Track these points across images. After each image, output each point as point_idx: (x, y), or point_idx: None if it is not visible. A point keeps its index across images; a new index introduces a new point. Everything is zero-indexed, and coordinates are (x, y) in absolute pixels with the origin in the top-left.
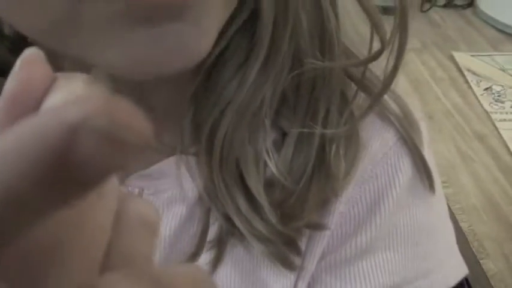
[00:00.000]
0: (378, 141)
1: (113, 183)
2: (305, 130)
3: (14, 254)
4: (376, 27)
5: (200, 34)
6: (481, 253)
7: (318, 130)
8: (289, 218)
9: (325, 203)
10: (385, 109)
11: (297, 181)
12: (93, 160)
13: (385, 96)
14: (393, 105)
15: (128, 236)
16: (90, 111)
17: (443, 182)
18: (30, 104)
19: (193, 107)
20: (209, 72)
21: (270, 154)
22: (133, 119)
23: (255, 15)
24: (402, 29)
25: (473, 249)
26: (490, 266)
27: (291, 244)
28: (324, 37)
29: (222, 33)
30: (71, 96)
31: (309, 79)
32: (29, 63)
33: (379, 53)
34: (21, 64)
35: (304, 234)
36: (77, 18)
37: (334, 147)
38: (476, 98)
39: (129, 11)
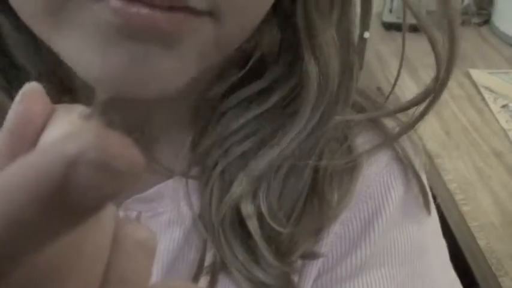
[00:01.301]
0: (374, 164)
1: (109, 208)
2: (299, 163)
3: (22, 275)
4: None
5: (180, 67)
6: (499, 271)
7: (313, 162)
8: (284, 251)
9: (319, 231)
10: (382, 129)
11: (289, 214)
12: (90, 189)
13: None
14: (392, 124)
15: (124, 258)
16: (85, 144)
17: (460, 200)
18: (29, 135)
19: (196, 137)
20: (220, 113)
21: (263, 189)
22: (124, 149)
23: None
24: (442, 82)
25: (492, 267)
26: (508, 283)
27: (286, 284)
28: (346, 90)
29: (262, 102)
30: (67, 129)
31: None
32: (29, 96)
33: (414, 104)
34: (21, 97)
35: (297, 268)
36: (64, 15)
37: (328, 176)
38: (493, 115)
39: (117, 24)
